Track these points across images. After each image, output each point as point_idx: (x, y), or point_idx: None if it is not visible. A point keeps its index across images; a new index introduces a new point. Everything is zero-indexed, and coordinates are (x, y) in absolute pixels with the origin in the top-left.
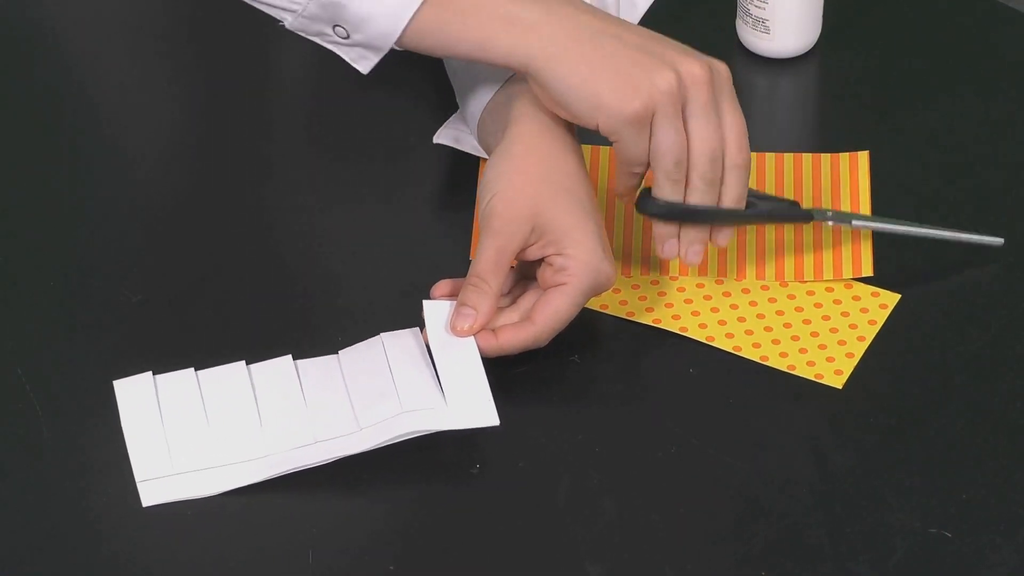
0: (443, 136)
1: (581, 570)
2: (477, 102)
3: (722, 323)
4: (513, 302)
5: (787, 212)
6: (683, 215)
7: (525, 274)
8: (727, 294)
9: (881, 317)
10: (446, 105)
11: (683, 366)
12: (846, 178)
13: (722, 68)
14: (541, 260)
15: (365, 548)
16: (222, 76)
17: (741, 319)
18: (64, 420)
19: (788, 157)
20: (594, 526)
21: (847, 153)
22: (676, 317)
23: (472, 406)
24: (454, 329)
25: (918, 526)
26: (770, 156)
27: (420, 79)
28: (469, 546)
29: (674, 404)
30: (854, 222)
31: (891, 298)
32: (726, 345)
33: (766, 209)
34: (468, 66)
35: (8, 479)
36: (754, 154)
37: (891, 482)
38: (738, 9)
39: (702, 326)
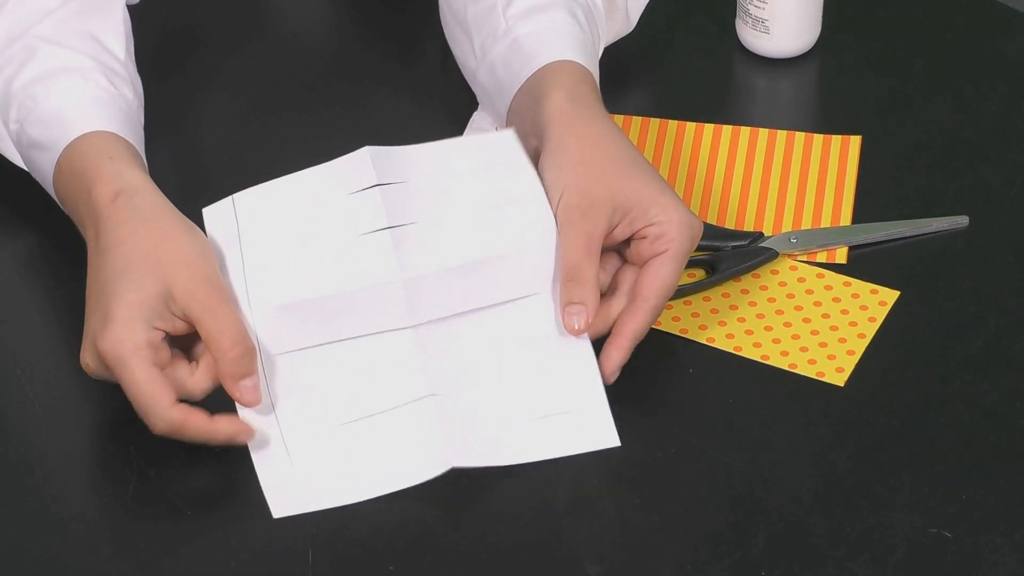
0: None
1: (581, 570)
2: (503, 101)
3: (722, 324)
4: (613, 291)
5: (752, 257)
6: None
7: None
8: (726, 295)
9: (881, 314)
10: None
11: (683, 366)
12: (835, 160)
13: None
14: (630, 239)
15: (365, 548)
16: (217, 75)
17: (741, 319)
18: (64, 420)
19: (781, 134)
20: (594, 526)
21: (840, 136)
22: (676, 319)
23: (588, 424)
24: (569, 329)
25: (918, 526)
26: (763, 132)
27: (423, 81)
28: (469, 546)
29: (674, 404)
30: (819, 242)
31: (890, 295)
32: (727, 346)
33: (731, 270)
34: (490, 67)
35: (8, 479)
36: (748, 128)
37: (891, 482)
38: (738, 9)
39: (702, 327)
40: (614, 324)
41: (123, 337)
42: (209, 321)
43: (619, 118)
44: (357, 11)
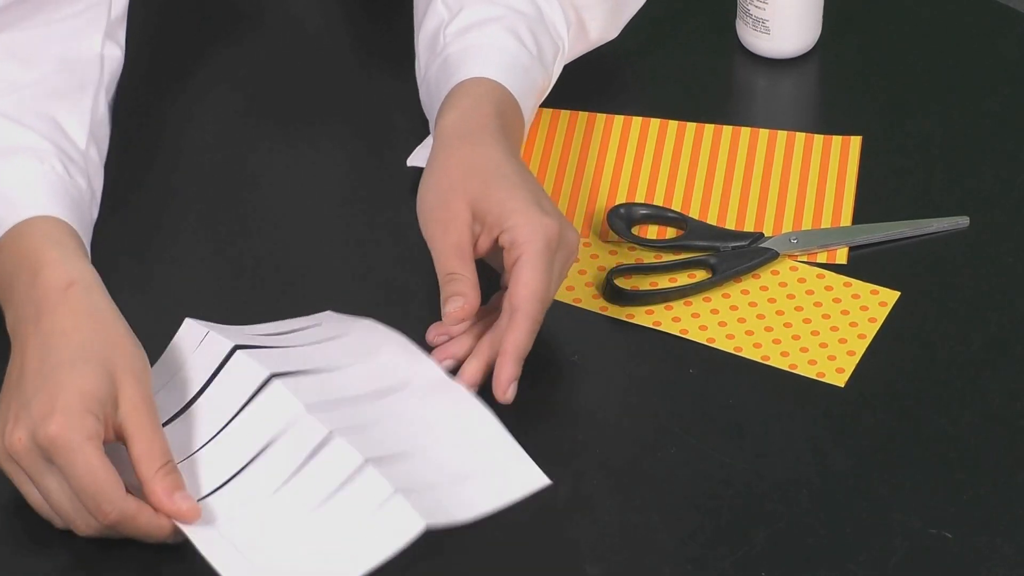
0: (416, 158)
1: (581, 571)
2: (432, 122)
3: (722, 324)
4: (498, 313)
5: (753, 258)
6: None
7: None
8: (726, 295)
9: (881, 315)
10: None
11: (683, 366)
12: (835, 160)
13: None
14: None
15: None
16: (215, 75)
17: (741, 320)
18: None
19: (781, 135)
20: (594, 526)
21: (840, 136)
22: (676, 319)
23: (512, 471)
24: (449, 317)
25: (918, 526)
26: (763, 132)
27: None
28: (469, 546)
29: (674, 404)
30: (820, 242)
31: (890, 296)
32: (727, 346)
33: (731, 270)
34: (426, 86)
35: (8, 479)
36: (748, 129)
37: (891, 482)
38: (738, 9)
39: (702, 328)
40: (499, 352)
41: (76, 424)
42: (143, 440)
43: (619, 118)
44: (358, 12)
